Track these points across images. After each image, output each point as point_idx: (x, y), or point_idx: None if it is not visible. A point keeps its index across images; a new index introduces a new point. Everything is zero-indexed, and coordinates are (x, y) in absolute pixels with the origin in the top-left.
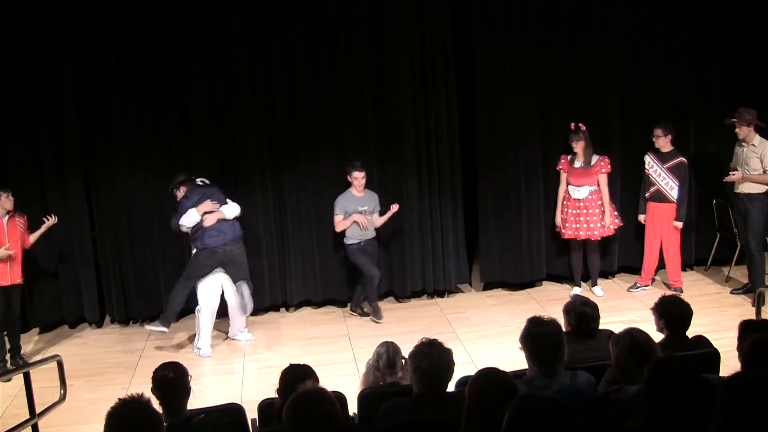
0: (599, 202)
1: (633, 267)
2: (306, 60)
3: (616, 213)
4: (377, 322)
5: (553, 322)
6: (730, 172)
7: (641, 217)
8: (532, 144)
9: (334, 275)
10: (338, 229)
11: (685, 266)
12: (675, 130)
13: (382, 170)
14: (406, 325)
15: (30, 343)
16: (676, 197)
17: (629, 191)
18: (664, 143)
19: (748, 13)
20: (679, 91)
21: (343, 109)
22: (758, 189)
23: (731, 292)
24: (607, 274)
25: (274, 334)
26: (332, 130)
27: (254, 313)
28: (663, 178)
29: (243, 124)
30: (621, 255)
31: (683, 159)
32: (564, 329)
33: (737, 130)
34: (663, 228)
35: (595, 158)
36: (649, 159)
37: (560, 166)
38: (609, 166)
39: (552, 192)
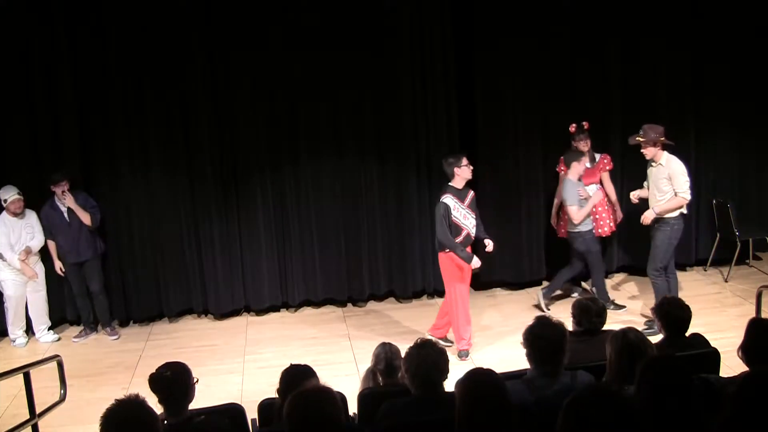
0: (606, 198)
1: (633, 267)
2: (306, 60)
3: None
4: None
5: (559, 326)
6: (643, 217)
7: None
8: (532, 144)
9: (334, 275)
10: (580, 219)
11: (685, 266)
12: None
13: (382, 170)
14: (406, 325)
15: (30, 343)
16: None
17: (629, 191)
18: (460, 181)
19: (748, 12)
20: (679, 91)
21: (343, 109)
22: (671, 213)
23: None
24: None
25: (275, 334)
26: (332, 130)
27: (256, 312)
28: (468, 220)
29: (243, 124)
30: (620, 255)
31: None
32: (572, 328)
33: (643, 150)
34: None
35: (597, 156)
36: (452, 202)
37: (561, 168)
38: (611, 164)
39: (553, 192)
